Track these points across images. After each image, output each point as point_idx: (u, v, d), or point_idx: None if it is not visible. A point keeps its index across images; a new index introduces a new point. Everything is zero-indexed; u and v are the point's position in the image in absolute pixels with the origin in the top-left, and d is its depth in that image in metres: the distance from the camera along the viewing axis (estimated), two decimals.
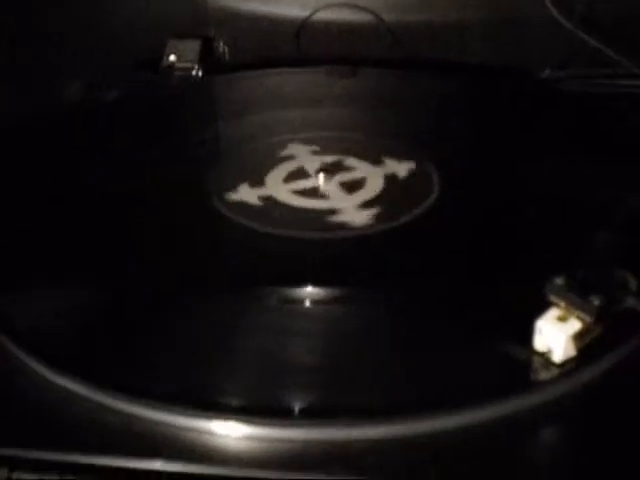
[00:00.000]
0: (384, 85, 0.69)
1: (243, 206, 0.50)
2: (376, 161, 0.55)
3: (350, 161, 0.55)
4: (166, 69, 0.72)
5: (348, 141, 0.58)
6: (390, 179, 0.53)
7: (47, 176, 0.54)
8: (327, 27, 0.76)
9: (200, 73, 0.72)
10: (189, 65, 0.72)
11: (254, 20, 0.77)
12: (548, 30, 0.71)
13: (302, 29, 0.75)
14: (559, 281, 0.37)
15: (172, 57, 0.72)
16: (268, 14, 0.77)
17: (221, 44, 0.76)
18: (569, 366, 0.37)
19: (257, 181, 0.53)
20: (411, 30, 0.75)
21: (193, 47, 0.72)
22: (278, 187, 0.53)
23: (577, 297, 0.37)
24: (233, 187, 0.52)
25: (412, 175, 0.53)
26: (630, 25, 0.71)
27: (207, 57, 0.73)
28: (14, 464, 0.33)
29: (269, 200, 0.51)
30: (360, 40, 0.76)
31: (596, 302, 0.36)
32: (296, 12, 0.76)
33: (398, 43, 0.75)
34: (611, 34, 0.70)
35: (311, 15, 0.75)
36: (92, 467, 0.33)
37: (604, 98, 0.67)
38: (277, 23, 0.76)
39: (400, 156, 0.55)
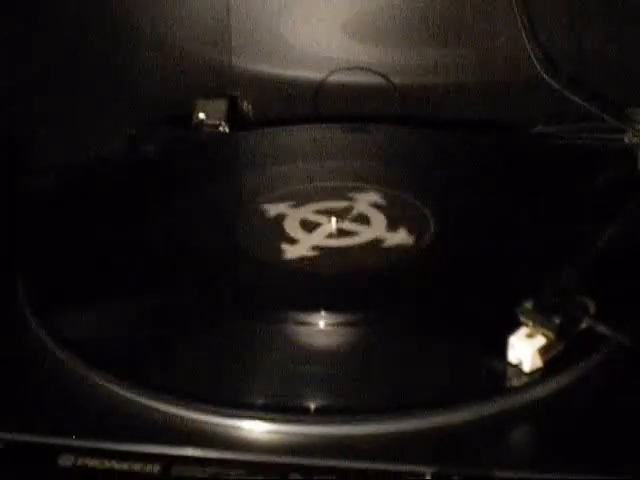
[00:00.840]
0: (392, 140, 0.74)
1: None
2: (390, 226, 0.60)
3: (358, 205, 0.61)
4: (196, 126, 0.76)
5: (356, 190, 0.64)
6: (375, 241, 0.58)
7: (100, 218, 0.61)
8: (341, 88, 0.79)
9: (227, 129, 0.77)
10: (217, 122, 0.76)
11: (276, 82, 0.80)
12: (539, 90, 0.74)
13: (319, 90, 0.79)
14: (528, 305, 0.44)
15: (201, 115, 0.76)
16: (288, 76, 0.80)
17: (246, 103, 0.81)
18: (536, 375, 0.43)
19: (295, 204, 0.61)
20: (416, 91, 0.79)
21: (220, 106, 0.77)
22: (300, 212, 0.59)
23: (542, 317, 0.44)
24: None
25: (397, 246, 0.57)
26: (611, 84, 0.75)
27: (233, 115, 0.78)
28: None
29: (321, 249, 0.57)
30: (371, 100, 0.79)
31: (557, 321, 0.43)
32: (314, 75, 0.79)
33: (405, 103, 0.79)
34: (595, 92, 0.74)
35: (327, 77, 0.79)
36: (140, 454, 0.40)
37: (589, 150, 0.72)
38: (296, 84, 0.80)
39: (402, 204, 0.61)
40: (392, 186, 0.65)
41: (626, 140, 0.72)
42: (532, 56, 0.74)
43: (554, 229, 0.57)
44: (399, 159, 0.71)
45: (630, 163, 0.68)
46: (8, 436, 0.41)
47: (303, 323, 0.49)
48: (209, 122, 0.77)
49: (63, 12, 0.80)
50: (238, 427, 0.42)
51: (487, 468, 0.39)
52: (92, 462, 0.40)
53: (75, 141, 0.79)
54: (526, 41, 0.74)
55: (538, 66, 0.74)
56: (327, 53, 0.80)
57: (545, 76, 0.74)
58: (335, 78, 0.80)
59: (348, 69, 0.80)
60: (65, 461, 0.40)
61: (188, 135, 0.76)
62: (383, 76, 0.80)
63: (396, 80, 0.80)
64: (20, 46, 0.80)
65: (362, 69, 0.80)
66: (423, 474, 0.39)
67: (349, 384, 0.44)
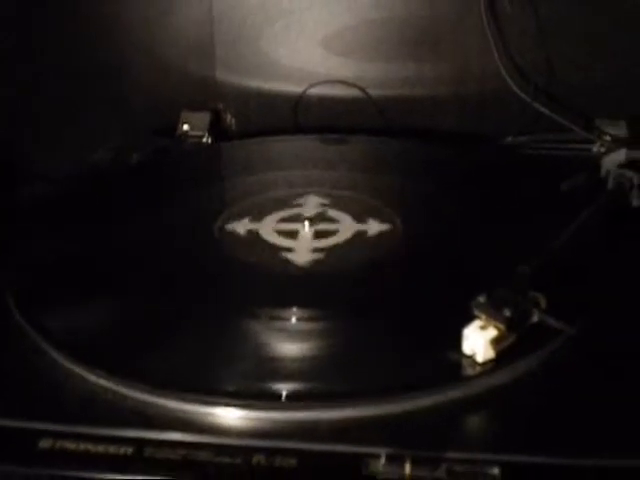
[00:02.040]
0: (369, 151, 0.78)
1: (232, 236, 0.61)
2: (356, 217, 0.63)
3: (335, 214, 0.64)
4: (180, 137, 0.80)
5: (335, 198, 0.66)
6: (359, 234, 0.61)
7: (85, 224, 0.64)
8: (320, 101, 0.82)
9: (210, 140, 0.80)
10: (200, 133, 0.80)
11: (258, 94, 0.84)
12: (509, 102, 0.78)
13: (299, 102, 0.82)
14: (481, 299, 0.47)
15: (185, 126, 0.80)
16: (270, 89, 0.83)
17: (229, 115, 0.84)
18: (489, 365, 0.46)
19: (256, 218, 0.63)
20: (393, 103, 0.82)
21: (204, 118, 0.81)
22: (269, 226, 0.62)
23: (494, 310, 0.46)
24: (234, 220, 0.62)
25: (380, 234, 0.61)
26: (580, 96, 0.78)
27: (216, 127, 0.81)
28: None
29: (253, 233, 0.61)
30: (349, 112, 0.82)
31: (507, 314, 0.46)
32: (294, 88, 0.82)
33: (381, 114, 0.82)
34: (563, 104, 0.78)
35: (306, 90, 0.82)
36: (114, 437, 0.43)
37: (557, 160, 0.75)
38: (277, 97, 0.83)
39: (376, 214, 0.63)
40: (362, 192, 0.68)
41: (594, 150, 0.75)
42: (502, 69, 0.77)
43: (516, 232, 0.60)
44: (373, 169, 0.74)
45: (595, 172, 0.70)
46: None
47: (273, 318, 0.52)
48: (193, 133, 0.80)
49: (50, 26, 0.83)
50: (206, 413, 0.44)
51: (439, 450, 0.41)
52: (70, 445, 0.42)
53: (62, 151, 0.82)
54: (496, 55, 0.77)
55: (508, 79, 0.77)
56: (307, 67, 0.83)
57: (515, 89, 0.77)
58: (315, 91, 0.83)
59: (327, 82, 0.83)
60: (44, 444, 0.43)
61: (172, 146, 0.79)
62: (361, 89, 0.83)
63: (373, 93, 0.83)
64: (10, 59, 0.83)
65: (341, 82, 0.83)
66: (379, 455, 0.41)
67: (312, 373, 0.47)
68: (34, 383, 0.47)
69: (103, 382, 0.46)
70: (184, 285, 0.55)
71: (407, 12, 0.81)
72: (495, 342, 0.46)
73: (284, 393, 0.45)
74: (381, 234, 0.61)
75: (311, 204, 0.66)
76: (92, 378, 0.46)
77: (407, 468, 0.40)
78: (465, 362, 0.47)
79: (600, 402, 0.45)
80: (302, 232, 0.62)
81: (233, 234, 0.61)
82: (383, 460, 0.41)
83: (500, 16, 0.78)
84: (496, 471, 0.40)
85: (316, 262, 0.58)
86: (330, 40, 0.83)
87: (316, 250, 0.59)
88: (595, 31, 0.78)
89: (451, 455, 0.41)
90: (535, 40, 0.79)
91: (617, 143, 0.73)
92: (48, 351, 0.49)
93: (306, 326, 0.52)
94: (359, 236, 0.61)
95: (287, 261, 0.58)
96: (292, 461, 0.41)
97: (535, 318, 0.47)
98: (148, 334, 0.51)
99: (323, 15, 0.82)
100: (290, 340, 0.50)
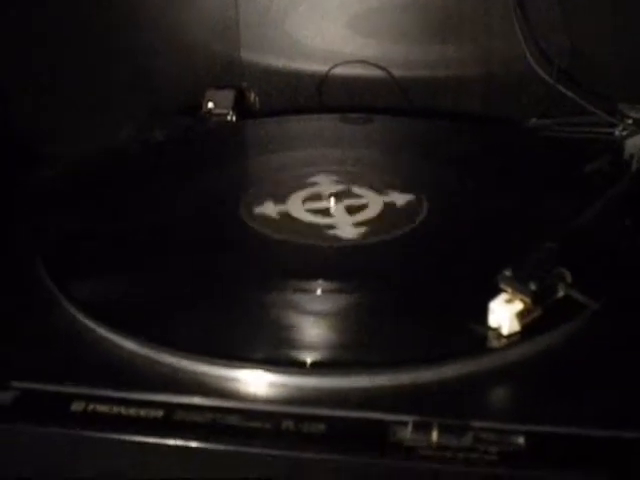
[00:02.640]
0: (390, 131, 0.78)
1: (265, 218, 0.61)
2: (380, 191, 0.64)
3: (358, 190, 0.65)
4: (205, 114, 0.80)
5: (356, 174, 0.67)
6: (388, 206, 0.62)
7: (113, 200, 0.65)
8: (344, 81, 0.83)
9: (234, 118, 0.80)
10: (224, 111, 0.80)
11: (282, 74, 0.84)
12: (533, 85, 0.78)
13: (323, 82, 0.83)
14: (507, 273, 0.47)
15: (210, 104, 0.80)
16: (294, 69, 0.84)
17: (253, 94, 0.85)
18: (514, 338, 0.47)
19: (280, 200, 0.63)
20: (416, 84, 0.83)
21: (228, 96, 0.81)
22: (296, 206, 0.63)
23: (519, 284, 0.47)
24: (260, 203, 0.63)
25: (407, 204, 0.62)
26: (603, 79, 0.79)
27: (240, 105, 0.82)
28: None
29: (286, 215, 0.61)
30: (373, 92, 0.83)
31: (533, 287, 0.46)
32: (318, 68, 0.83)
33: (404, 95, 0.83)
34: (586, 87, 0.78)
35: (330, 70, 0.82)
36: (145, 401, 0.44)
37: (580, 142, 0.75)
38: (301, 77, 0.84)
39: (401, 189, 0.64)
40: (387, 172, 0.68)
41: (616, 133, 0.75)
42: (526, 52, 0.78)
43: (541, 211, 0.61)
44: (398, 148, 0.74)
45: (618, 155, 0.71)
46: (25, 385, 0.45)
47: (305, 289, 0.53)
48: (217, 111, 0.81)
49: (79, 4, 0.84)
50: (235, 378, 0.45)
51: (464, 418, 0.42)
52: (102, 408, 0.43)
53: (88, 130, 0.83)
54: (521, 37, 0.78)
55: (532, 61, 0.78)
56: (331, 47, 0.84)
57: (539, 71, 0.78)
58: (338, 71, 0.83)
59: (351, 63, 0.83)
60: (77, 407, 0.43)
61: (197, 123, 0.80)
62: (384, 70, 0.83)
63: (397, 73, 0.83)
64: (35, 37, 0.84)
65: (365, 63, 0.83)
66: (406, 422, 0.42)
67: (341, 342, 0.48)
68: (66, 348, 0.48)
69: (134, 347, 0.47)
70: (219, 260, 0.56)
71: None
72: (521, 315, 0.47)
73: (311, 360, 0.46)
74: (408, 205, 0.62)
75: (332, 182, 0.66)
76: (122, 343, 0.47)
77: (434, 435, 0.41)
78: (491, 334, 0.47)
79: (623, 375, 0.45)
80: (333, 209, 0.62)
81: (263, 215, 0.61)
82: (410, 427, 0.42)
83: None
84: (521, 440, 0.41)
85: (362, 235, 0.58)
86: (354, 21, 0.83)
87: (358, 224, 0.60)
88: (619, 14, 0.78)
89: (477, 424, 0.42)
90: (559, 22, 0.79)
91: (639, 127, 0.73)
92: (80, 317, 0.50)
93: (337, 297, 0.52)
94: (389, 208, 0.62)
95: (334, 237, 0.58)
96: (320, 427, 0.42)
97: (561, 292, 0.48)
98: (178, 301, 0.51)
99: None
100: (321, 309, 0.51)
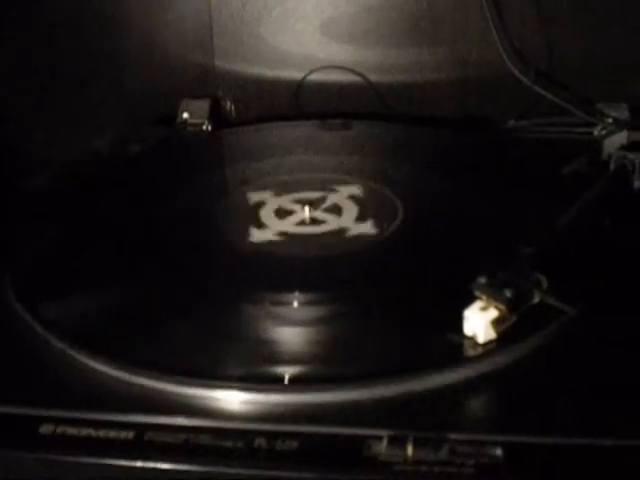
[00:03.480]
0: (367, 136, 0.77)
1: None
2: (356, 201, 0.63)
3: (334, 198, 0.64)
4: (180, 125, 0.79)
5: (335, 182, 0.66)
6: (362, 212, 0.61)
7: (87, 213, 0.64)
8: (320, 86, 0.82)
9: (210, 128, 0.79)
10: (200, 121, 0.79)
11: (257, 81, 0.83)
12: (510, 86, 0.77)
13: (299, 89, 0.82)
14: (482, 280, 0.47)
15: (185, 114, 0.79)
16: (269, 76, 0.83)
17: (228, 103, 0.84)
18: (490, 346, 0.46)
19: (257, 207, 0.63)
20: (393, 88, 0.81)
21: (203, 106, 0.80)
22: (276, 223, 0.61)
23: (494, 291, 0.46)
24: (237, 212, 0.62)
25: (383, 211, 0.61)
26: (580, 79, 0.78)
27: (216, 114, 0.81)
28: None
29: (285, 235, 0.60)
30: (349, 98, 0.82)
31: (508, 294, 0.46)
32: (294, 74, 0.82)
33: (381, 99, 0.82)
34: (564, 87, 0.77)
35: (306, 76, 0.81)
36: (115, 422, 0.43)
37: (559, 143, 0.75)
38: (277, 84, 0.83)
39: (378, 195, 0.64)
40: (369, 179, 0.67)
41: (595, 133, 0.74)
42: (503, 53, 0.77)
43: (517, 215, 0.60)
44: (377, 154, 0.74)
45: (597, 155, 0.70)
46: None
47: (274, 302, 0.52)
48: (193, 121, 0.80)
49: (55, 13, 0.83)
50: (206, 396, 0.44)
51: (441, 431, 0.41)
52: (71, 430, 0.42)
53: (62, 140, 0.82)
54: (497, 39, 0.77)
55: (509, 63, 0.76)
56: (306, 53, 0.83)
57: (516, 72, 0.76)
58: (315, 77, 0.82)
59: (327, 68, 0.82)
60: (46, 429, 0.43)
61: (172, 134, 0.79)
62: (360, 75, 0.82)
63: (373, 78, 0.82)
64: (14, 45, 0.83)
65: (340, 68, 0.82)
66: (380, 437, 0.41)
67: (312, 356, 0.47)
68: (34, 370, 0.47)
69: (103, 367, 0.46)
70: (184, 271, 0.55)
71: None
72: (496, 323, 0.46)
73: (286, 376, 0.45)
74: (380, 217, 0.61)
75: (312, 189, 0.65)
76: (92, 363, 0.46)
77: (409, 450, 0.40)
78: (466, 343, 0.46)
79: (600, 383, 0.44)
80: (296, 214, 0.62)
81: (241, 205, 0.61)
82: (385, 442, 0.41)
83: None
84: (499, 452, 0.40)
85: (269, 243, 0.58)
86: (329, 26, 0.82)
87: (281, 234, 0.59)
88: (595, 14, 0.78)
89: (453, 436, 0.41)
90: (535, 23, 0.78)
91: (618, 125, 0.72)
92: (48, 338, 0.49)
93: (306, 310, 0.52)
94: (359, 219, 0.61)
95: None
96: (293, 444, 0.41)
97: (536, 299, 0.47)
98: (148, 319, 0.50)
99: (321, 1, 0.82)
100: (291, 323, 0.50)
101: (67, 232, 0.61)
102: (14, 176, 0.76)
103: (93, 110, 0.84)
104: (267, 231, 0.60)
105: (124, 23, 0.84)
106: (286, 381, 0.45)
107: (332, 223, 0.61)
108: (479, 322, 0.46)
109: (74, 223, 0.63)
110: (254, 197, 0.65)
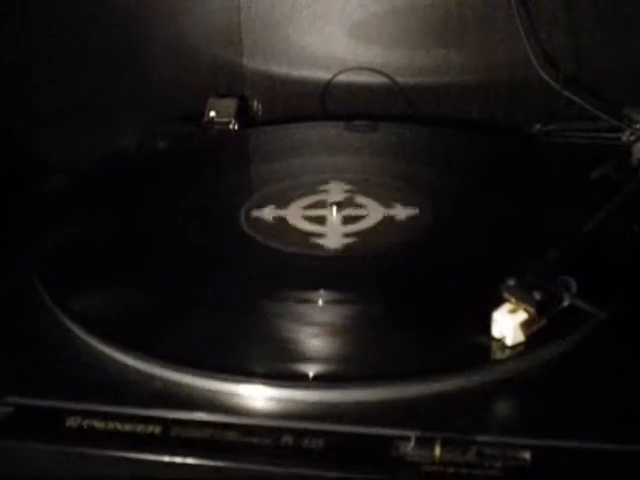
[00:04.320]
0: (395, 138, 0.77)
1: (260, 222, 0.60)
2: (382, 201, 0.63)
3: (361, 199, 0.63)
4: (207, 123, 0.79)
5: (361, 183, 0.66)
6: (387, 219, 0.61)
7: (115, 208, 0.65)
8: (347, 88, 0.81)
9: (236, 127, 0.79)
10: (227, 120, 0.79)
11: (284, 81, 0.83)
12: (538, 90, 0.76)
13: (326, 90, 0.82)
14: (511, 282, 0.46)
15: (212, 113, 0.79)
16: (297, 76, 0.83)
17: (255, 102, 0.83)
18: (519, 349, 0.46)
19: (282, 207, 0.62)
20: (420, 90, 0.81)
21: (230, 105, 0.80)
22: (295, 213, 0.62)
23: (523, 293, 0.46)
24: (260, 210, 0.62)
25: (408, 215, 0.61)
26: (609, 84, 0.77)
27: (243, 113, 0.80)
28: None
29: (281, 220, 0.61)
30: (376, 99, 0.81)
31: (537, 297, 0.45)
32: (321, 75, 0.82)
33: (408, 101, 0.81)
34: (592, 92, 0.77)
35: (334, 77, 0.81)
36: (142, 417, 0.43)
37: (586, 148, 0.74)
38: (304, 84, 0.82)
39: (403, 198, 0.63)
40: (396, 181, 0.67)
41: (623, 138, 0.74)
42: (531, 56, 0.76)
43: (546, 219, 0.60)
44: (403, 156, 0.73)
45: (626, 160, 0.70)
46: (20, 400, 0.44)
47: (302, 300, 0.52)
48: (220, 120, 0.80)
49: (81, 10, 0.83)
50: (234, 392, 0.44)
51: (469, 432, 0.41)
52: (98, 423, 0.42)
53: (90, 139, 0.82)
54: (525, 41, 0.76)
55: (537, 66, 0.76)
56: (334, 54, 0.82)
57: (544, 76, 0.76)
58: (342, 78, 0.82)
59: (354, 69, 0.82)
60: (72, 423, 0.43)
61: (199, 132, 0.79)
62: (388, 76, 0.82)
63: (400, 80, 0.82)
64: (38, 44, 0.83)
65: (368, 69, 0.82)
66: (408, 437, 0.41)
67: (341, 355, 0.47)
68: (62, 363, 0.47)
69: (131, 361, 0.46)
70: (212, 268, 0.55)
71: None
72: (525, 326, 0.46)
73: (312, 373, 0.45)
74: (409, 219, 0.60)
75: (337, 190, 0.65)
76: (120, 357, 0.46)
77: (437, 450, 0.40)
78: (495, 345, 0.46)
79: (630, 387, 0.44)
80: (330, 218, 0.61)
81: (260, 220, 0.61)
82: (412, 442, 0.41)
83: (529, 2, 0.77)
84: (527, 455, 0.40)
85: (347, 247, 0.57)
86: (357, 27, 0.82)
87: (347, 235, 0.59)
88: (624, 19, 0.77)
89: (481, 438, 0.41)
90: (564, 26, 0.78)
91: None
92: (77, 332, 0.49)
93: (336, 309, 0.52)
94: (388, 221, 0.61)
95: (318, 246, 0.57)
96: (320, 442, 0.41)
97: (566, 302, 0.47)
98: (176, 314, 0.51)
99: (350, 3, 0.82)
100: (320, 322, 0.50)
101: (96, 228, 0.61)
102: (39, 175, 0.76)
103: (119, 108, 0.84)
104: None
105: (151, 21, 0.84)
106: (312, 378, 0.45)
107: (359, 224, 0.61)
108: (508, 324, 0.46)
109: (102, 219, 0.63)
110: (281, 199, 0.64)
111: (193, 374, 0.45)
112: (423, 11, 0.81)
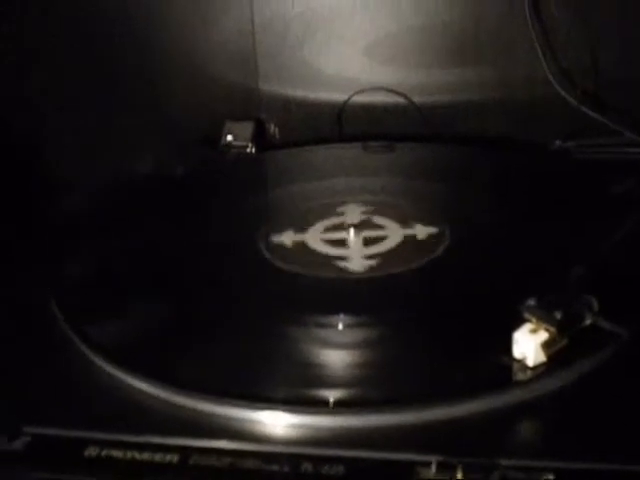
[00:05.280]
0: (413, 158, 0.77)
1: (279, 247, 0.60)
2: (402, 222, 0.63)
3: (379, 220, 0.63)
4: (224, 147, 0.79)
5: (379, 204, 0.66)
6: (409, 239, 0.61)
7: (133, 232, 0.65)
8: (364, 108, 0.81)
9: (254, 150, 0.79)
10: (244, 144, 0.79)
11: (301, 103, 0.83)
12: (556, 107, 0.76)
13: (342, 111, 0.82)
14: (531, 302, 0.46)
15: (229, 137, 0.79)
16: (312, 98, 0.83)
17: (272, 125, 0.84)
18: (540, 369, 0.45)
19: (300, 230, 0.62)
20: (437, 109, 0.81)
21: (247, 128, 0.80)
22: (315, 236, 0.61)
23: (544, 313, 0.45)
24: (279, 234, 0.62)
25: (429, 236, 0.61)
26: (627, 99, 0.77)
27: (259, 137, 0.80)
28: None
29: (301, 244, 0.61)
30: (393, 119, 0.81)
31: (558, 317, 0.45)
32: (337, 96, 0.81)
33: (425, 120, 0.81)
34: (611, 108, 0.76)
35: (350, 98, 0.81)
36: (160, 445, 0.42)
37: (606, 164, 0.73)
38: (320, 106, 0.82)
39: (423, 219, 0.63)
40: (414, 201, 0.67)
41: None
42: (548, 73, 0.76)
43: (566, 236, 0.59)
44: (421, 176, 0.73)
45: None
46: (38, 430, 0.44)
47: (322, 324, 0.51)
48: (236, 144, 0.80)
49: (96, 35, 0.83)
50: (252, 420, 0.44)
51: (491, 456, 0.40)
52: (116, 453, 0.42)
53: (106, 162, 0.82)
54: (542, 58, 0.76)
55: (555, 83, 0.76)
56: (350, 75, 0.82)
57: (562, 92, 0.76)
58: (358, 99, 0.82)
59: (370, 90, 0.82)
60: (91, 452, 0.42)
61: (216, 156, 0.79)
62: (404, 96, 0.82)
63: (417, 99, 0.82)
64: (54, 67, 0.84)
65: (384, 90, 0.82)
66: (429, 462, 0.40)
67: (361, 380, 0.47)
68: (80, 392, 0.47)
69: (148, 390, 0.46)
70: (232, 294, 0.55)
71: (449, 17, 0.80)
72: (546, 345, 0.45)
73: (332, 399, 0.44)
74: (429, 239, 0.60)
75: (355, 212, 0.65)
76: (137, 385, 0.46)
77: (459, 475, 0.39)
78: (516, 366, 0.46)
79: None
80: (350, 240, 0.61)
81: (280, 246, 0.61)
82: (434, 468, 0.40)
83: (545, 19, 0.77)
84: (551, 478, 0.39)
85: (371, 268, 0.57)
86: (372, 48, 0.82)
87: (369, 257, 0.58)
88: None
89: (504, 462, 0.40)
90: (581, 43, 0.77)
91: None
92: (94, 360, 0.49)
93: (354, 332, 0.51)
94: (408, 240, 0.60)
95: (342, 269, 0.57)
96: (340, 469, 0.41)
97: (587, 321, 0.46)
98: (197, 341, 0.50)
99: (364, 23, 0.82)
100: (339, 346, 0.50)
101: (114, 253, 0.61)
102: (56, 198, 0.76)
103: (136, 132, 0.84)
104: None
105: (167, 45, 0.84)
106: (332, 404, 0.44)
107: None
108: (529, 345, 0.45)
109: (121, 244, 0.63)
110: (300, 222, 0.64)
111: (211, 401, 0.44)
112: (439, 30, 0.81)
